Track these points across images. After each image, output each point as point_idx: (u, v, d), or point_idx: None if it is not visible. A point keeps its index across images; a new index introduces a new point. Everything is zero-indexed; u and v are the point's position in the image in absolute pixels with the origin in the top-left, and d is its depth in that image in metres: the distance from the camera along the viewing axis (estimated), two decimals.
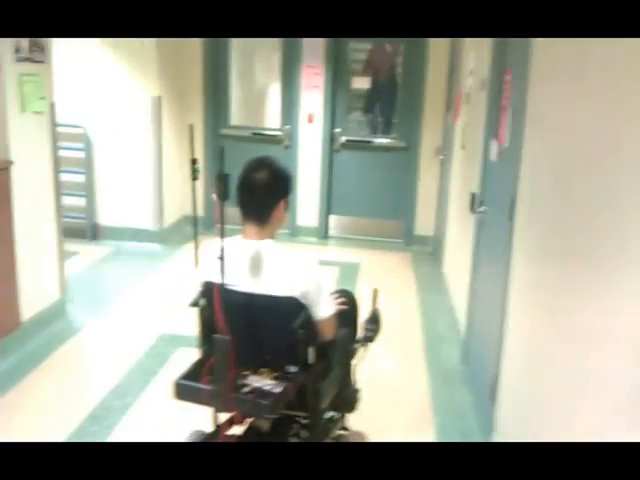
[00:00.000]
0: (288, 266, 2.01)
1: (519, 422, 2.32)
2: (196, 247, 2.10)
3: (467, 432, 2.88)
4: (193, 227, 2.12)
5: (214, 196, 1.85)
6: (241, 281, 1.98)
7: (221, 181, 1.82)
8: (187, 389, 1.98)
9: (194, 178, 2.07)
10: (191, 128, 2.07)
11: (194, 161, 2.08)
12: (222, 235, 1.81)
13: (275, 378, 1.98)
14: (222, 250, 1.82)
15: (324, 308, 2.05)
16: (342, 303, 2.37)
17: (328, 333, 2.14)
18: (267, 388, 1.92)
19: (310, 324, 1.99)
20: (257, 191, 2.07)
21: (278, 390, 1.91)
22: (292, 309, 1.95)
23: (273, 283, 1.97)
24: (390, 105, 6.11)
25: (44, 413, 2.87)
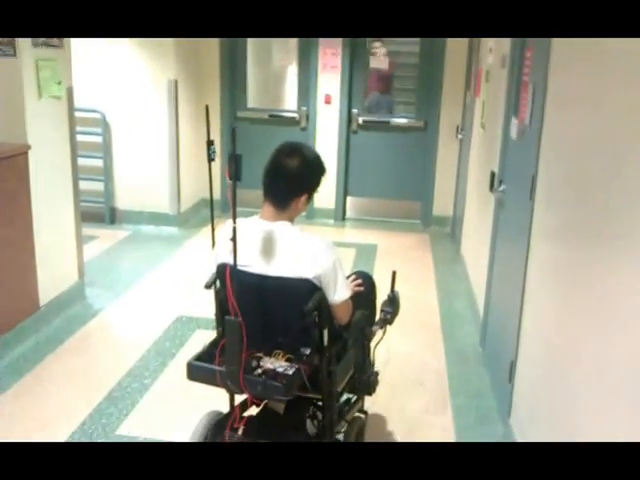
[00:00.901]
0: (302, 248, 1.97)
1: (537, 404, 2.29)
2: (212, 229, 2.08)
3: (484, 414, 2.86)
4: (209, 210, 2.10)
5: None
6: (254, 262, 1.96)
7: (233, 162, 1.80)
8: (200, 370, 1.98)
9: (210, 160, 2.05)
10: (207, 109, 2.04)
11: (210, 143, 2.06)
12: (234, 216, 1.79)
13: (288, 360, 1.96)
14: (234, 231, 1.79)
15: (339, 292, 2.01)
16: (359, 285, 2.35)
17: (343, 317, 2.12)
18: (280, 370, 1.91)
19: (324, 306, 1.97)
20: (282, 178, 2.03)
21: (291, 372, 1.90)
22: (305, 291, 1.92)
23: (286, 265, 1.94)
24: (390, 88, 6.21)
25: (62, 395, 2.90)
